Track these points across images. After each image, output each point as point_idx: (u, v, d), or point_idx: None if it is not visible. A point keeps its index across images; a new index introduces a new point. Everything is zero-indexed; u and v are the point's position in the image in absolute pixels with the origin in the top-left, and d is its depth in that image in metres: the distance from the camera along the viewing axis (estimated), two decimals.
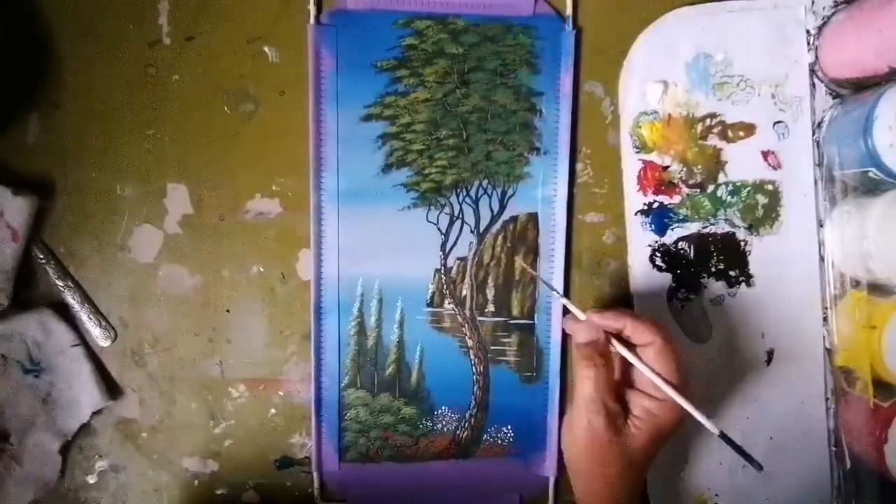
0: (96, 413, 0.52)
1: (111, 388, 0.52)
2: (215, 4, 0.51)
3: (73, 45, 0.50)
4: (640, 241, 0.54)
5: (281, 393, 0.53)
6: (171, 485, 0.53)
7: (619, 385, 0.46)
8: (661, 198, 0.53)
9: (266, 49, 0.52)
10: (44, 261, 0.51)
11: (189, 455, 0.53)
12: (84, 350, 0.51)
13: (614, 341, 0.46)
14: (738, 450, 0.43)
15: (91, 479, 0.53)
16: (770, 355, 0.54)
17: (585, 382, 0.44)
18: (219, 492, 0.54)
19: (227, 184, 0.52)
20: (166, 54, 0.51)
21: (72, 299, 0.51)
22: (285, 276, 0.53)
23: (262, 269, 0.53)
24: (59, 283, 0.51)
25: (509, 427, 0.54)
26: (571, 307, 0.49)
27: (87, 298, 0.51)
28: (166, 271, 0.52)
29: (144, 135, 0.51)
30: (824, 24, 0.52)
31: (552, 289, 0.52)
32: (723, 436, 0.44)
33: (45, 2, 0.50)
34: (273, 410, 0.53)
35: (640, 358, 0.45)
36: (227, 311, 0.53)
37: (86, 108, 0.51)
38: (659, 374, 0.44)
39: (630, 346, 0.46)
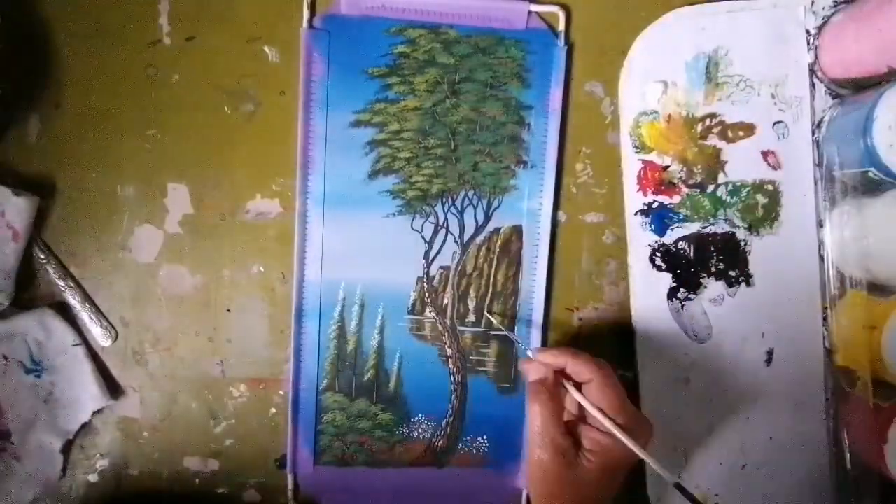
0: (97, 412, 0.52)
1: (112, 388, 0.52)
2: (215, 4, 0.51)
3: (73, 45, 0.51)
4: (640, 241, 0.54)
5: (281, 392, 0.53)
6: (171, 484, 0.53)
7: (575, 420, 0.47)
8: (660, 198, 0.53)
9: (266, 49, 0.52)
10: (44, 261, 0.51)
11: (190, 454, 0.53)
12: (85, 350, 0.51)
13: (564, 380, 0.46)
14: (692, 499, 0.43)
15: (92, 478, 0.53)
16: (770, 355, 0.54)
17: (533, 417, 0.45)
18: (219, 491, 0.54)
19: (227, 184, 0.52)
20: (166, 54, 0.51)
21: (73, 299, 0.51)
22: (285, 276, 0.53)
23: (262, 269, 0.53)
24: (60, 282, 0.51)
25: (485, 437, 0.54)
26: (520, 342, 0.50)
27: (87, 298, 0.52)
28: (167, 271, 0.52)
29: (144, 135, 0.51)
30: (824, 24, 0.52)
31: (515, 339, 0.52)
32: (678, 486, 0.43)
33: (45, 2, 0.50)
34: (273, 410, 0.54)
35: (585, 396, 0.45)
36: (228, 310, 0.53)
37: (86, 108, 0.51)
38: (602, 411, 0.44)
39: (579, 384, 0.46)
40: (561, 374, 0.46)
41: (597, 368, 0.45)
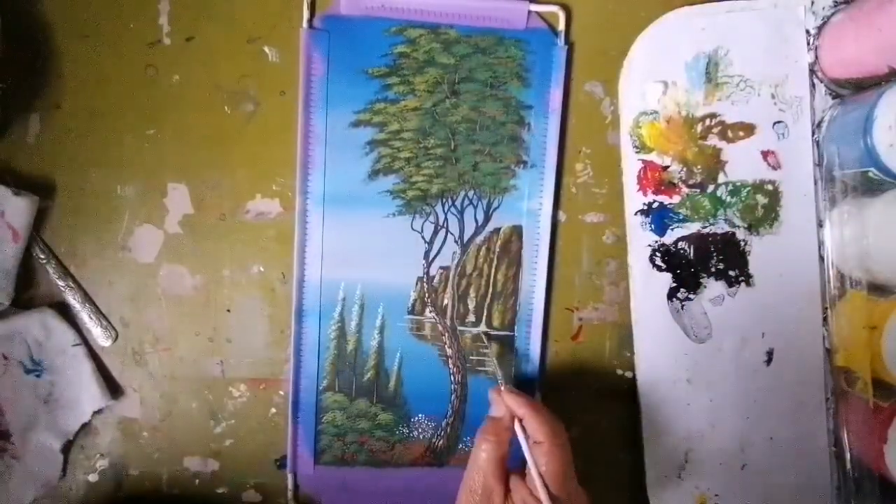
0: (97, 412, 0.52)
1: (112, 388, 0.52)
2: (215, 4, 0.51)
3: (73, 45, 0.51)
4: (640, 241, 0.54)
5: (281, 392, 0.53)
6: (171, 484, 0.53)
7: (517, 471, 0.46)
8: (660, 198, 0.53)
9: (266, 49, 0.52)
10: (44, 261, 0.51)
11: (190, 454, 0.53)
12: (85, 350, 0.51)
13: (518, 428, 0.46)
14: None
15: (92, 478, 0.53)
16: (770, 355, 0.54)
17: (478, 453, 0.45)
18: (219, 491, 0.54)
19: (227, 184, 0.52)
20: (166, 54, 0.51)
21: (73, 299, 0.51)
22: (285, 276, 0.53)
23: (262, 269, 0.53)
24: (60, 282, 0.51)
25: None
26: (499, 375, 0.50)
27: (87, 298, 0.52)
28: (167, 271, 0.52)
29: (144, 135, 0.51)
30: (824, 24, 0.52)
31: (496, 371, 0.52)
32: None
33: (45, 2, 0.50)
34: (273, 410, 0.53)
35: (531, 453, 0.45)
36: (228, 310, 0.53)
37: (86, 108, 0.51)
38: (542, 476, 0.44)
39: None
40: (519, 421, 0.46)
41: (551, 432, 0.44)
